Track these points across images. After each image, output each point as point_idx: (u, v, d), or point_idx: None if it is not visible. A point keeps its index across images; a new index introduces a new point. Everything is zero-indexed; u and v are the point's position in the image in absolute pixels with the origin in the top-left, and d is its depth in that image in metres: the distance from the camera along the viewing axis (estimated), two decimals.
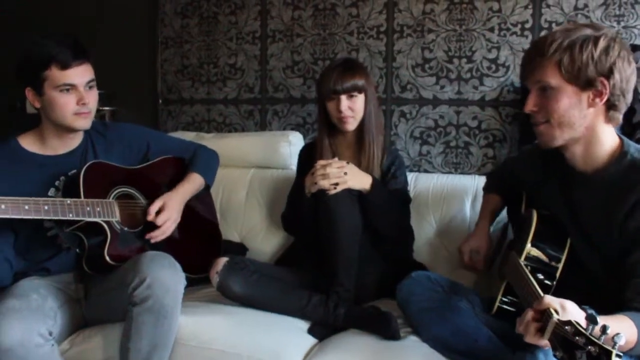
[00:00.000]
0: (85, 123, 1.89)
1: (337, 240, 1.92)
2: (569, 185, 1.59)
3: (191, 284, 1.88)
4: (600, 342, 1.07)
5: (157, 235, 1.95)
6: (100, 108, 2.97)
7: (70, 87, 1.82)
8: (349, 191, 1.96)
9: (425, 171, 2.67)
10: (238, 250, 2.48)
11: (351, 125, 2.13)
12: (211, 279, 1.95)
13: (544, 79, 1.48)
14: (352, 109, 2.11)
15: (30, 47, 1.84)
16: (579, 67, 1.44)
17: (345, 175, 1.96)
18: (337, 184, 1.95)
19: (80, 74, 1.83)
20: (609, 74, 1.44)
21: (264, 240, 2.54)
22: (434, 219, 2.37)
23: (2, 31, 3.40)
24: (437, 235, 2.36)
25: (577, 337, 1.10)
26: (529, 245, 1.61)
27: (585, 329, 1.10)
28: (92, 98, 1.89)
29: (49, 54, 1.79)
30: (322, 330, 1.88)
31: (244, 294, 1.93)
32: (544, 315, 1.20)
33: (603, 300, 1.39)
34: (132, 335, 1.70)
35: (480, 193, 2.20)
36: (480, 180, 2.36)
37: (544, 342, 1.19)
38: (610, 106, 1.47)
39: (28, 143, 1.91)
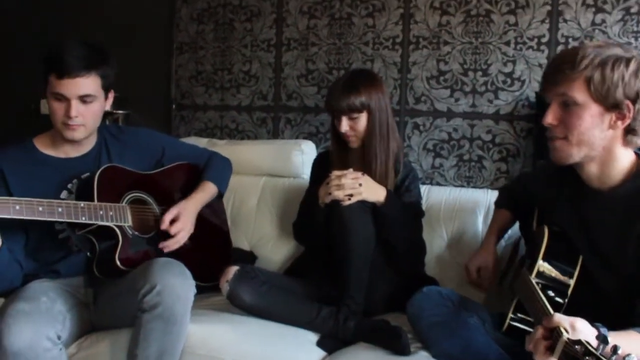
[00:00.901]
0: (73, 135, 1.85)
1: (349, 252, 1.91)
2: (583, 202, 1.58)
3: (200, 291, 1.87)
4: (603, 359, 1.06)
5: (171, 245, 1.94)
6: (114, 111, 2.98)
7: (62, 97, 1.80)
8: (362, 203, 1.95)
9: (438, 184, 2.66)
10: (247, 258, 2.47)
11: (354, 143, 2.13)
12: (221, 288, 1.94)
13: (570, 93, 1.45)
14: (354, 128, 2.09)
15: (49, 49, 1.84)
16: (608, 86, 1.41)
17: (359, 187, 1.95)
18: (351, 195, 1.94)
19: (73, 87, 1.78)
20: (635, 97, 1.42)
21: (274, 249, 2.53)
22: (446, 233, 2.36)
23: (24, 36, 3.43)
24: (448, 249, 2.34)
25: (587, 357, 1.08)
26: (540, 262, 1.59)
27: (595, 349, 1.08)
28: (87, 112, 1.83)
29: (52, 60, 1.78)
30: (332, 343, 1.86)
31: (254, 304, 1.92)
32: (554, 333, 1.18)
33: (615, 319, 1.37)
34: (140, 341, 1.69)
35: (492, 208, 2.19)
36: (492, 195, 2.34)
37: None
38: (629, 130, 1.45)
39: (43, 145, 1.91)
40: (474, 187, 2.61)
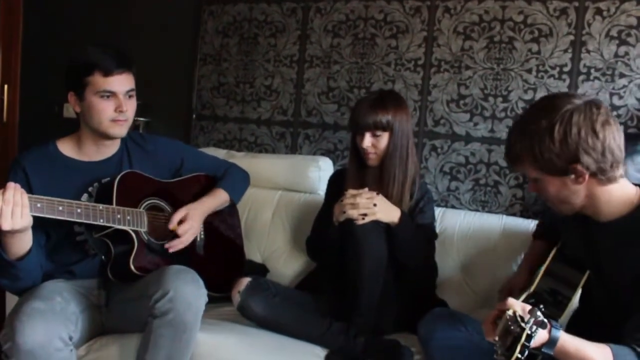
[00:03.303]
0: (121, 131, 1.92)
1: (361, 271, 1.92)
2: (590, 231, 1.59)
3: (211, 301, 1.88)
4: (522, 324, 1.19)
5: (176, 245, 1.95)
6: (136, 118, 3.01)
7: (110, 94, 1.86)
8: (376, 223, 1.96)
9: (453, 207, 2.66)
10: (259, 271, 2.48)
11: (373, 161, 2.13)
12: (232, 298, 1.95)
13: (527, 173, 1.53)
14: (375, 145, 2.09)
15: (77, 54, 1.90)
16: (547, 161, 1.44)
17: (374, 207, 1.96)
18: (365, 215, 1.95)
19: (121, 82, 1.87)
20: (576, 159, 1.41)
21: (286, 263, 2.54)
22: (459, 256, 2.36)
23: (51, 42, 3.49)
24: (460, 272, 2.34)
25: (511, 326, 1.21)
26: (538, 279, 1.69)
27: (521, 317, 1.21)
28: (131, 107, 1.92)
29: (94, 61, 1.84)
30: (340, 359, 1.86)
31: (265, 316, 1.93)
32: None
33: (611, 340, 1.38)
34: (149, 347, 1.71)
35: (507, 233, 2.22)
36: (507, 220, 2.36)
37: (495, 339, 1.26)
38: (597, 173, 1.44)
39: (66, 148, 1.95)
40: (488, 211, 2.61)
